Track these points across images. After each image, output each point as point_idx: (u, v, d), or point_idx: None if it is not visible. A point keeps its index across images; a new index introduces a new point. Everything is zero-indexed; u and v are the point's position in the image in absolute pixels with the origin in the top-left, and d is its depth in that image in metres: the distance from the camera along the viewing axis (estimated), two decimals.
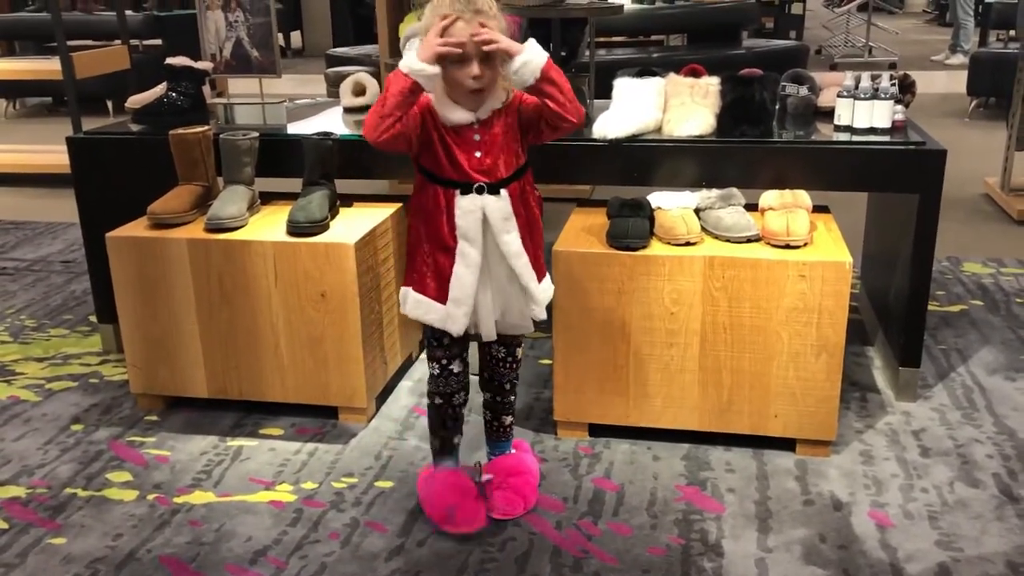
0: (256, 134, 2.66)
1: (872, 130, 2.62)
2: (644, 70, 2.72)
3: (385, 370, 2.71)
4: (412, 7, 4.03)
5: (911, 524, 2.13)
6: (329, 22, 10.60)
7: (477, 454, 2.36)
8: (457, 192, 1.95)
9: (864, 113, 2.61)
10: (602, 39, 7.30)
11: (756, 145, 2.56)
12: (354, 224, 2.60)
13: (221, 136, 2.63)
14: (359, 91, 3.14)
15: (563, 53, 4.71)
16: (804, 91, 2.85)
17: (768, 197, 2.50)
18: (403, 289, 2.09)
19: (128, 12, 6.44)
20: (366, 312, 2.53)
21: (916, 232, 2.52)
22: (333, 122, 2.96)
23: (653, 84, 2.68)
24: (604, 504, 2.22)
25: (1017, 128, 4.51)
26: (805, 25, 10.66)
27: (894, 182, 2.56)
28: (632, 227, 2.37)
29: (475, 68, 1.87)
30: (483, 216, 1.95)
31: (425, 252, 2.02)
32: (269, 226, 2.60)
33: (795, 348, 2.30)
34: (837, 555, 2.03)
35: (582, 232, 2.49)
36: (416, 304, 2.04)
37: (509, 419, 2.28)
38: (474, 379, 2.19)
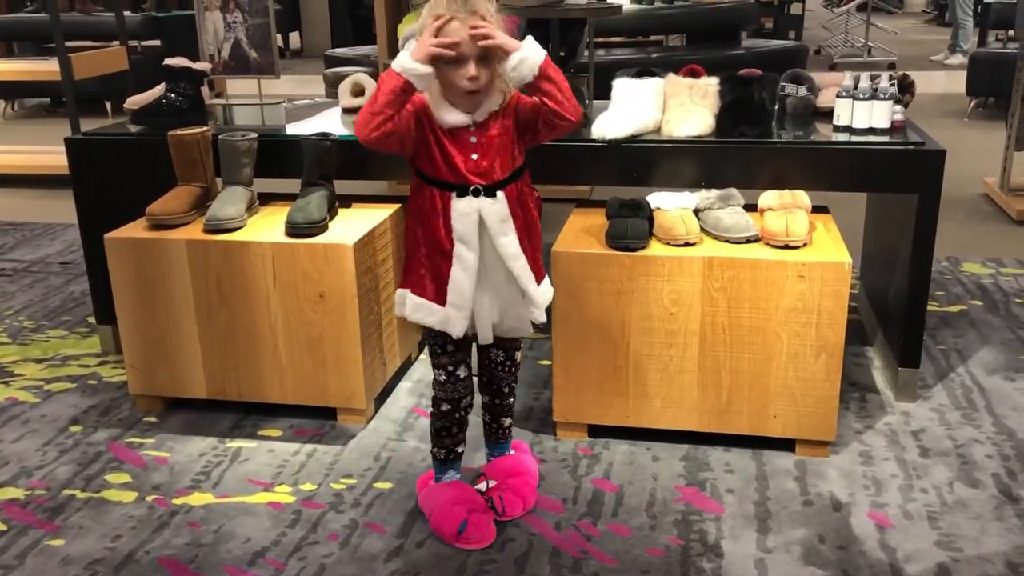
0: (255, 135, 2.66)
1: (871, 130, 2.61)
2: (643, 70, 2.72)
3: (384, 371, 2.71)
4: (411, 7, 4.04)
5: (910, 524, 2.13)
6: (327, 23, 10.60)
7: (477, 456, 2.36)
8: (453, 195, 1.94)
9: (863, 113, 2.61)
10: (601, 39, 7.30)
11: (755, 145, 2.56)
12: (353, 225, 2.60)
13: (220, 137, 2.63)
14: (358, 92, 3.13)
15: (562, 53, 4.71)
16: (803, 91, 2.85)
17: (767, 197, 2.50)
18: (400, 291, 2.07)
19: (126, 13, 6.42)
20: (365, 313, 2.52)
21: (915, 232, 2.52)
22: (332, 123, 2.96)
23: (652, 84, 2.68)
24: (603, 505, 2.22)
25: (1016, 128, 4.51)
26: (804, 25, 10.67)
27: (893, 182, 2.56)
28: (631, 228, 2.36)
29: (471, 69, 1.85)
30: (480, 219, 1.94)
31: (422, 255, 2.00)
32: (268, 227, 2.59)
33: (794, 348, 2.30)
34: (836, 555, 2.03)
35: (581, 233, 2.49)
36: (416, 308, 2.03)
37: (508, 421, 2.28)
38: (474, 379, 2.18)
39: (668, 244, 2.36)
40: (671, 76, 2.71)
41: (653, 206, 2.46)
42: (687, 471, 2.35)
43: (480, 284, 1.98)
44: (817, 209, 2.58)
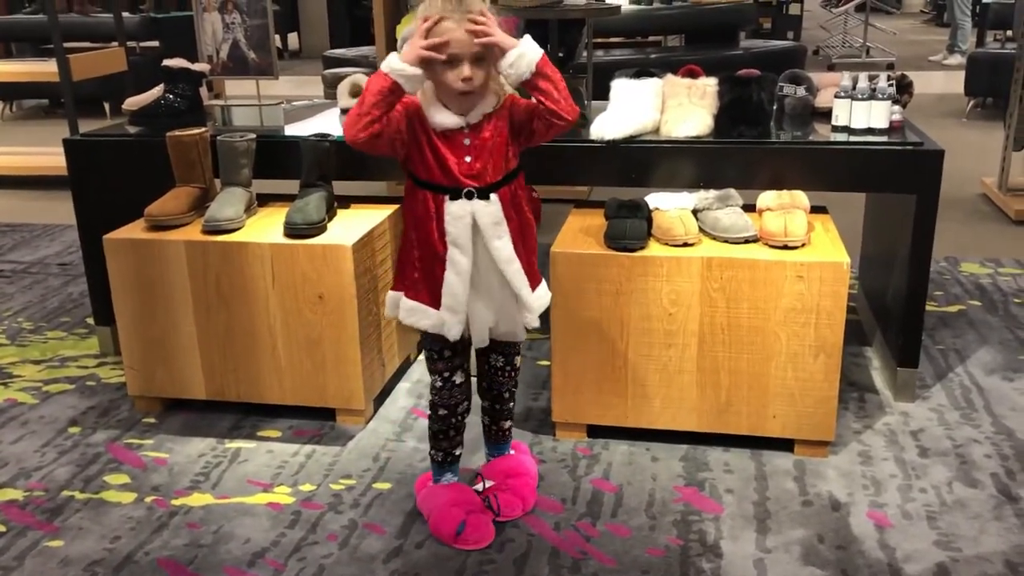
0: (253, 136, 2.66)
1: (870, 130, 2.61)
2: (642, 71, 2.72)
3: (383, 372, 2.71)
4: (409, 8, 4.04)
5: (909, 524, 2.13)
6: (326, 24, 10.61)
7: (476, 456, 2.36)
8: (447, 198, 1.92)
9: (862, 113, 2.61)
10: (600, 40, 7.31)
11: (754, 146, 2.56)
12: (352, 226, 2.60)
13: (218, 138, 2.63)
14: (356, 93, 3.13)
15: (561, 54, 4.71)
16: (802, 91, 2.85)
17: (766, 198, 2.51)
18: (392, 293, 2.06)
19: (125, 14, 6.43)
20: (364, 314, 2.52)
21: (914, 232, 2.52)
22: (330, 124, 2.96)
23: (651, 85, 2.68)
24: (603, 505, 2.22)
25: (1015, 128, 4.51)
26: (803, 26, 10.68)
27: (892, 182, 2.56)
28: (630, 228, 2.36)
29: (466, 70, 1.84)
30: (473, 222, 1.92)
31: (416, 258, 1.99)
32: (267, 228, 2.59)
33: (793, 349, 2.30)
34: (836, 555, 2.03)
35: (580, 233, 2.49)
36: (410, 311, 2.01)
37: (508, 423, 2.27)
38: (473, 380, 2.18)
39: (667, 244, 2.36)
40: (670, 77, 2.71)
41: (652, 206, 2.46)
42: (686, 471, 2.35)
43: (474, 288, 1.97)
44: (816, 209, 2.58)
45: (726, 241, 2.38)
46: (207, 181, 2.70)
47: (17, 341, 3.24)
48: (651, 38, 8.12)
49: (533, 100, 1.91)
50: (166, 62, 3.09)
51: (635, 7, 7.25)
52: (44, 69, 4.93)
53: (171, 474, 2.39)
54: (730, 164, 2.56)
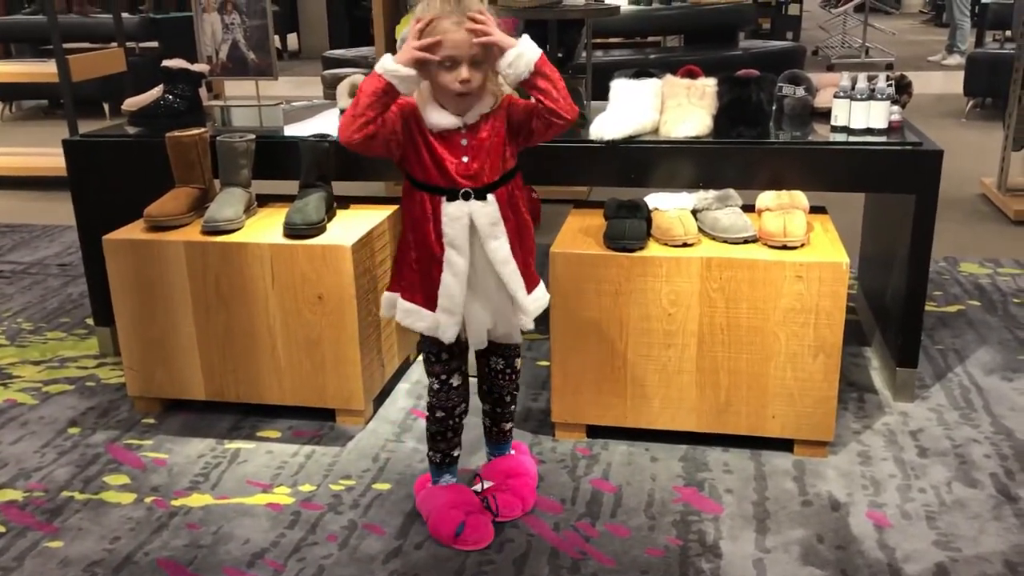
0: (253, 136, 2.66)
1: (869, 131, 2.62)
2: (641, 71, 2.72)
3: (382, 372, 2.71)
4: (408, 8, 4.04)
5: (909, 524, 2.13)
6: (325, 24, 10.61)
7: (475, 457, 2.36)
8: (443, 198, 1.92)
9: (861, 114, 2.61)
10: (599, 40, 7.30)
11: (753, 146, 2.57)
12: (351, 226, 2.60)
13: (218, 138, 2.63)
14: (355, 93, 3.13)
15: (560, 55, 4.71)
16: (801, 92, 2.85)
17: (765, 198, 2.51)
18: (388, 294, 2.06)
19: (124, 14, 6.43)
20: (363, 314, 2.52)
21: (913, 233, 2.53)
22: (329, 124, 2.95)
23: (650, 85, 2.68)
24: (602, 505, 2.22)
25: (1014, 128, 4.51)
26: (802, 26, 10.68)
27: (891, 183, 2.56)
28: (629, 228, 2.37)
29: (464, 71, 1.83)
30: (470, 222, 1.91)
31: (413, 259, 1.98)
32: (266, 228, 2.59)
33: (792, 349, 2.30)
34: (835, 555, 2.03)
35: (579, 233, 2.49)
36: (406, 313, 2.01)
37: (509, 425, 2.27)
38: (472, 380, 2.18)
39: (666, 245, 2.36)
40: (669, 77, 2.72)
41: (651, 207, 2.46)
42: (686, 471, 2.35)
43: (471, 289, 1.96)
44: (815, 209, 2.58)
45: (725, 241, 2.38)
46: (206, 182, 2.70)
47: (17, 342, 3.24)
48: (650, 38, 8.12)
49: (532, 100, 1.91)
50: (165, 63, 3.09)
51: (634, 7, 7.25)
52: (43, 70, 4.94)
53: (171, 475, 2.39)
54: (729, 164, 2.56)
